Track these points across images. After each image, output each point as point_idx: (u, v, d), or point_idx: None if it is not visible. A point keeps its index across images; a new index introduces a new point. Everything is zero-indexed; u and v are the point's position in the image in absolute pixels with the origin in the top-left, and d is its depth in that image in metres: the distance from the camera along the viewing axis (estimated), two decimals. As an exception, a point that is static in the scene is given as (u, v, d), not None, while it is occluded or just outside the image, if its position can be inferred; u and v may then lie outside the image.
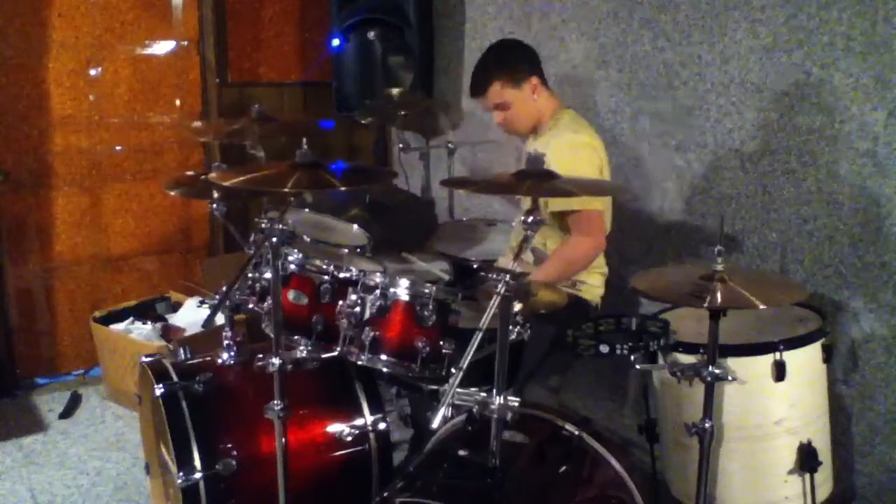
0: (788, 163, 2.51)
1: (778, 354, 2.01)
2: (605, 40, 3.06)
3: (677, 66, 2.79)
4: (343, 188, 1.89)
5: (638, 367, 1.92)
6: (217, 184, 2.14)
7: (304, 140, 1.89)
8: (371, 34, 3.67)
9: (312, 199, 2.61)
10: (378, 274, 2.01)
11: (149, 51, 3.88)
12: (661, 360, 2.11)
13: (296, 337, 2.07)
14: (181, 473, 1.96)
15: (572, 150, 2.46)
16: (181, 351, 2.33)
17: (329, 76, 3.93)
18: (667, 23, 2.81)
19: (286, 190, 1.78)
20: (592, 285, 2.58)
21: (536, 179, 1.73)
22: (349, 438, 2.16)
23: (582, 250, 2.47)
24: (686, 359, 2.02)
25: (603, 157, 2.54)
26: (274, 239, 1.83)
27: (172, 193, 2.58)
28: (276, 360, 1.86)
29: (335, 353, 2.03)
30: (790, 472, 2.04)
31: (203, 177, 2.53)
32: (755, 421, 2.06)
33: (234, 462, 2.01)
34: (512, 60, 2.58)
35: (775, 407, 2.04)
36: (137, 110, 3.89)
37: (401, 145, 3.36)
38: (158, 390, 2.06)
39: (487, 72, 2.56)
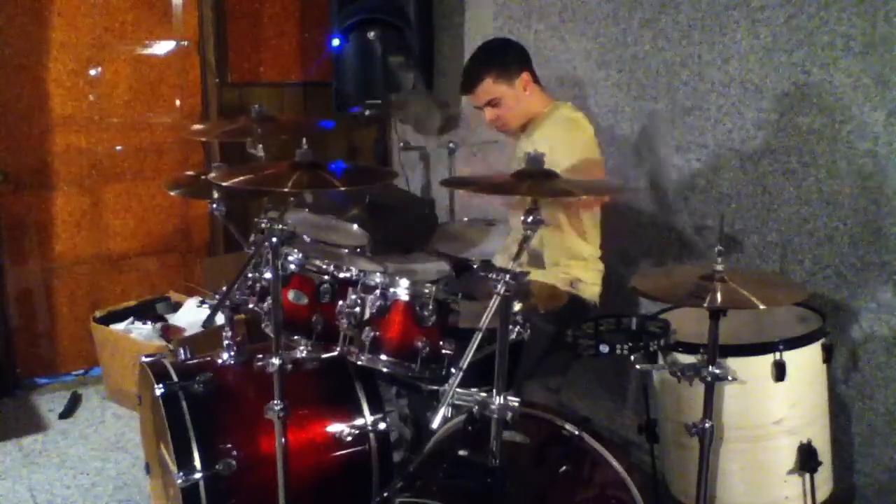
0: (788, 163, 2.51)
1: (778, 354, 2.00)
2: (605, 40, 3.05)
3: (677, 66, 2.79)
4: (343, 188, 1.89)
5: (638, 367, 1.92)
6: (217, 184, 2.14)
7: (304, 140, 1.90)
8: (371, 34, 3.67)
9: (312, 198, 2.61)
10: (378, 274, 2.01)
11: (149, 51, 3.89)
12: (661, 360, 2.11)
13: (296, 337, 2.07)
14: (181, 473, 1.96)
15: (567, 129, 2.50)
16: (181, 351, 2.33)
17: (329, 76, 3.93)
18: (667, 23, 2.81)
19: (286, 190, 1.79)
20: (589, 283, 2.58)
21: (536, 179, 1.73)
22: (349, 438, 2.16)
23: None
24: (686, 359, 2.02)
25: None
26: (274, 239, 1.83)
27: (172, 193, 2.58)
28: (276, 360, 1.86)
29: (335, 353, 2.04)
30: (790, 472, 2.04)
31: (203, 177, 2.53)
32: (755, 421, 2.05)
33: (234, 462, 2.01)
34: (502, 56, 2.61)
35: (775, 407, 2.04)
36: (137, 110, 3.89)
37: (401, 144, 3.36)
38: (158, 390, 2.06)
39: (478, 67, 2.59)
